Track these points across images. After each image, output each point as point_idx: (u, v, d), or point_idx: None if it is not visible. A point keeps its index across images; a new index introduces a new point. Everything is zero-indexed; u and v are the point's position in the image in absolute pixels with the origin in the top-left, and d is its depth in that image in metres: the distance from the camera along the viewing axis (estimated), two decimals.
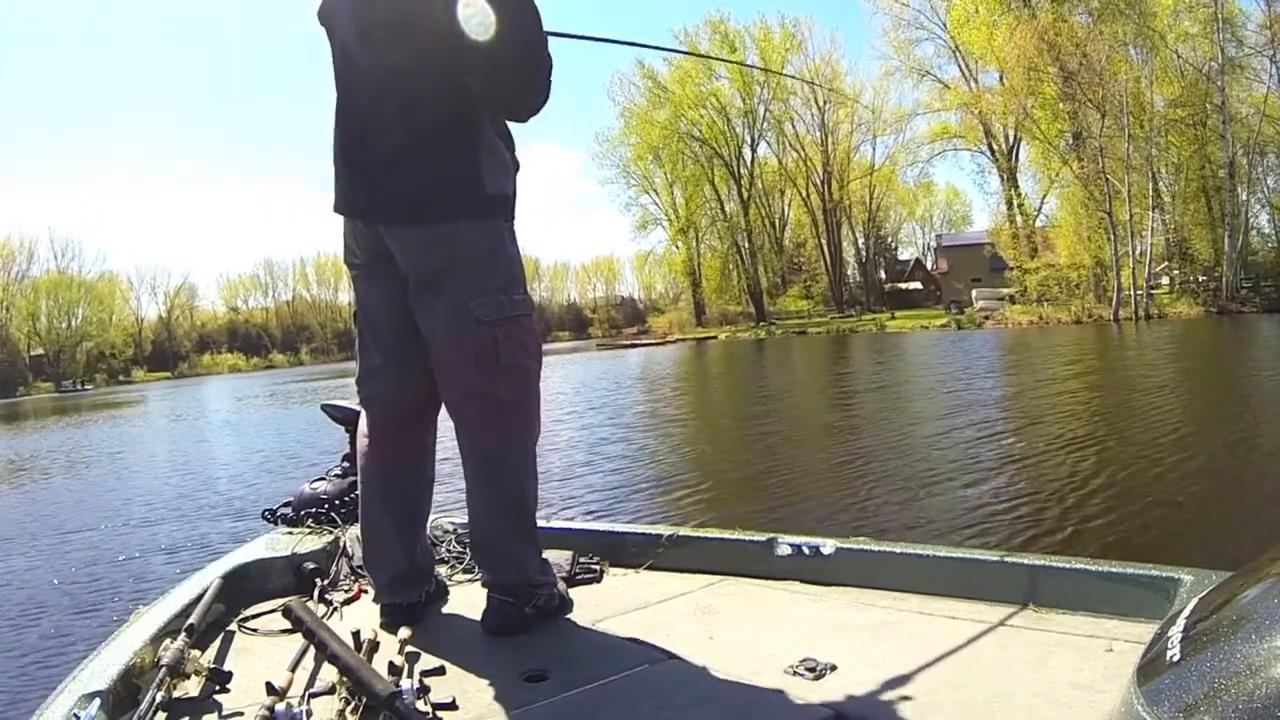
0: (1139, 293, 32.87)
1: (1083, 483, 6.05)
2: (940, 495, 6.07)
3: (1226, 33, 32.64)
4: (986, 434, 8.51)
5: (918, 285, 60.23)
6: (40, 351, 69.35)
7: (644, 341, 53.79)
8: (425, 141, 1.63)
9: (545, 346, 1.80)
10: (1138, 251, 33.12)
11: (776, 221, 59.58)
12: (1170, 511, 5.30)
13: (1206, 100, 33.56)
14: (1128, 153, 32.71)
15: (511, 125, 1.77)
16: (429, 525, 1.99)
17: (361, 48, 1.68)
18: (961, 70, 44.54)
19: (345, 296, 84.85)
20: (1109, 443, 7.52)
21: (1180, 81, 33.55)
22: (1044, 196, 40.87)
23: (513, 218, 1.74)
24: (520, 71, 1.66)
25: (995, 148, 43.80)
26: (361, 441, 1.85)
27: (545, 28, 1.69)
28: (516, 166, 1.77)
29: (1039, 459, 7.02)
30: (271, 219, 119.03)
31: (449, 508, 2.33)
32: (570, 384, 21.03)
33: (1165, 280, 35.23)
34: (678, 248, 57.52)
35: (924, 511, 5.65)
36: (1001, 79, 40.52)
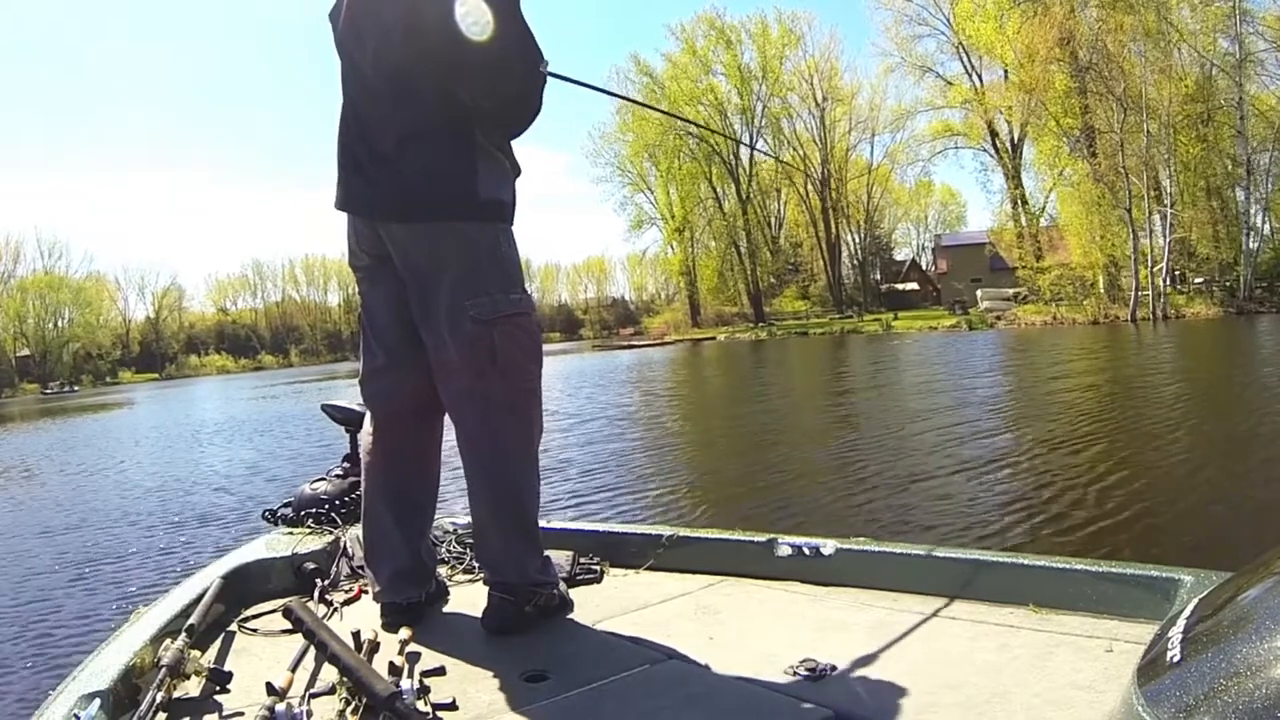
0: (1156, 293, 32.44)
1: (1122, 483, 6.04)
2: (971, 494, 6.07)
3: (1234, 31, 32.49)
4: (1032, 436, 8.39)
5: (914, 286, 60.21)
6: (26, 352, 69.06)
7: (641, 342, 53.56)
8: (418, 142, 1.65)
9: None
10: (1155, 250, 32.76)
11: (773, 221, 59.49)
12: (1178, 511, 5.31)
13: (1211, 98, 33.26)
14: (1145, 149, 32.30)
15: None
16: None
17: (358, 48, 1.71)
18: (965, 66, 44.49)
19: (334, 298, 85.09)
20: (1146, 444, 7.48)
21: (1188, 78, 33.15)
22: (1048, 195, 40.56)
23: (509, 220, 1.75)
24: (506, 81, 1.67)
25: (999, 146, 43.63)
26: (366, 440, 1.87)
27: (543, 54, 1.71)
28: (517, 171, 1.78)
29: (1087, 460, 6.95)
30: (260, 220, 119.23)
31: (450, 508, 2.33)
32: (574, 384, 21.02)
33: (1165, 279, 35.01)
34: (673, 248, 57.36)
35: (962, 512, 5.62)
36: (1006, 75, 40.35)
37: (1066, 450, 7.39)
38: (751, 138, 54.16)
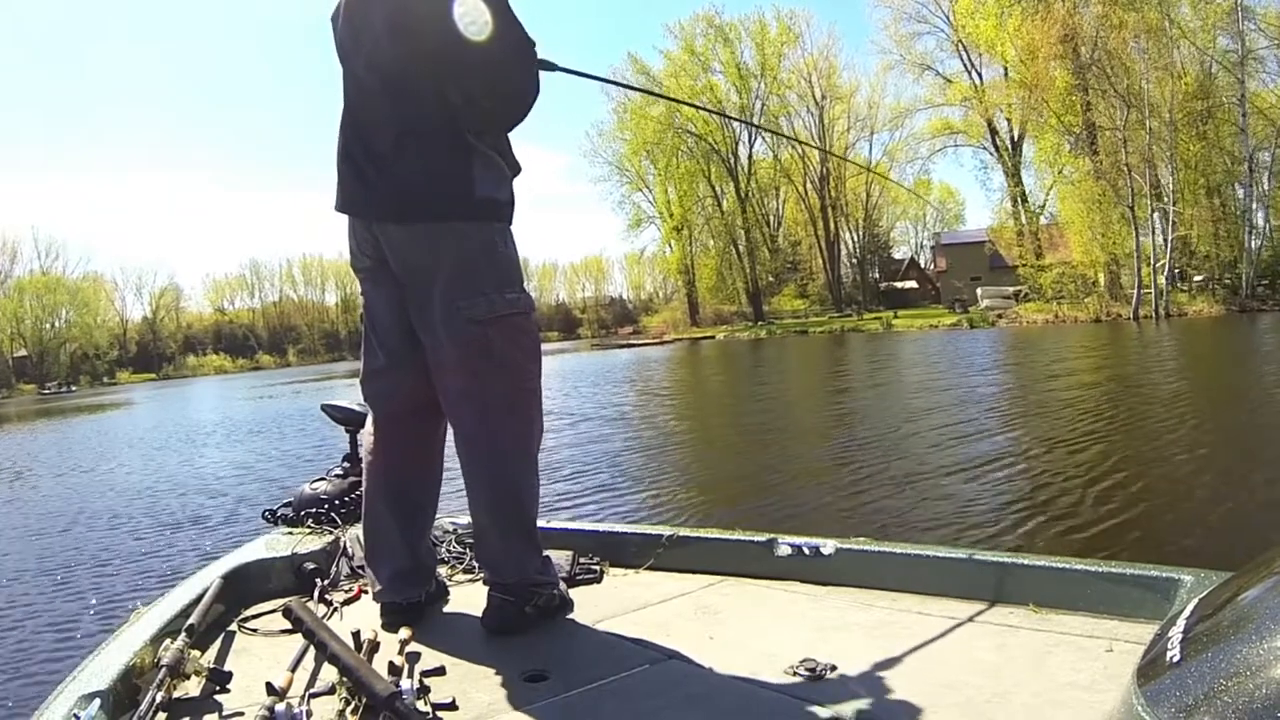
0: (1158, 291, 32.10)
1: (1123, 482, 6.02)
2: (973, 494, 6.05)
3: (1236, 28, 32.30)
4: (1036, 434, 8.33)
5: (913, 284, 60.16)
6: (24, 353, 68.95)
7: (640, 341, 53.46)
8: (415, 142, 1.65)
9: None
10: (1157, 248, 32.49)
11: (771, 219, 59.41)
12: (1179, 510, 5.31)
13: (1211, 95, 33.06)
14: (1149, 146, 31.99)
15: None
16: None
17: (354, 50, 1.71)
18: (964, 64, 44.29)
19: (332, 297, 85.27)
20: (1148, 443, 7.46)
21: (1188, 75, 32.90)
22: (1048, 192, 40.18)
23: (507, 220, 1.75)
24: (506, 81, 1.68)
25: (999, 143, 43.41)
26: (366, 439, 1.87)
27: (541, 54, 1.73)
28: (516, 170, 1.77)
29: (1089, 459, 6.92)
30: (259, 220, 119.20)
31: (450, 508, 2.33)
32: (571, 383, 21.00)
33: (1168, 277, 34.81)
34: (671, 246, 57.23)
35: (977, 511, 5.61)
36: (1006, 73, 40.16)
37: (1069, 449, 7.39)
38: (750, 136, 54.16)
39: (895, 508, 5.85)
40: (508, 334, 1.69)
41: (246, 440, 14.70)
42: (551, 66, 1.78)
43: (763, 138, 54.30)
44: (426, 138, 1.65)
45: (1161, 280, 32.33)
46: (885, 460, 7.54)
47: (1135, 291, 32.77)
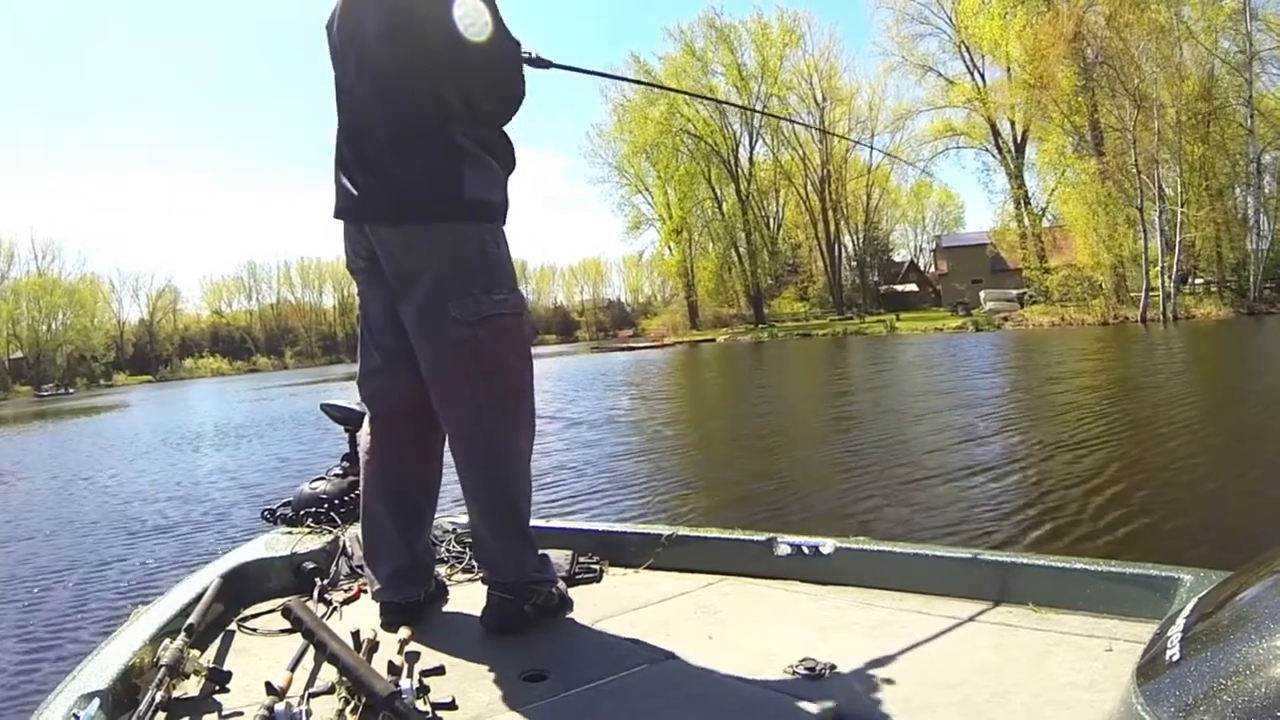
0: (1165, 294, 31.76)
1: (1128, 483, 6.00)
2: (987, 495, 6.03)
3: (1240, 31, 32.23)
4: (1057, 436, 8.22)
5: (913, 287, 60.16)
6: (19, 355, 68.93)
7: (639, 344, 53.30)
8: (406, 145, 1.66)
9: (534, 349, 1.80)
10: (1164, 251, 32.18)
11: (771, 222, 59.40)
12: (1183, 511, 5.30)
13: (1215, 97, 32.93)
14: (1156, 147, 31.77)
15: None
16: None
17: (349, 53, 1.72)
18: (966, 65, 44.11)
19: (329, 300, 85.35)
20: (1156, 445, 7.43)
21: (1191, 78, 32.73)
22: (1050, 194, 39.85)
23: (499, 220, 1.75)
24: (504, 81, 1.70)
25: (1002, 145, 43.19)
26: (364, 439, 1.88)
27: (534, 51, 1.75)
28: (510, 168, 1.78)
29: (1101, 460, 6.88)
30: (259, 221, 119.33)
31: (450, 507, 2.33)
32: (572, 385, 20.97)
33: (1175, 280, 34.55)
34: (671, 249, 57.14)
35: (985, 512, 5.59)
36: (1009, 73, 39.94)
37: (1078, 452, 7.34)
38: (751, 138, 54.10)
39: (899, 510, 5.84)
40: (497, 335, 1.69)
41: (244, 442, 14.66)
42: (546, 64, 1.79)
43: (763, 138, 54.38)
44: (419, 139, 1.65)
45: (1169, 283, 32.03)
46: (890, 462, 7.52)
47: (1143, 294, 32.54)
